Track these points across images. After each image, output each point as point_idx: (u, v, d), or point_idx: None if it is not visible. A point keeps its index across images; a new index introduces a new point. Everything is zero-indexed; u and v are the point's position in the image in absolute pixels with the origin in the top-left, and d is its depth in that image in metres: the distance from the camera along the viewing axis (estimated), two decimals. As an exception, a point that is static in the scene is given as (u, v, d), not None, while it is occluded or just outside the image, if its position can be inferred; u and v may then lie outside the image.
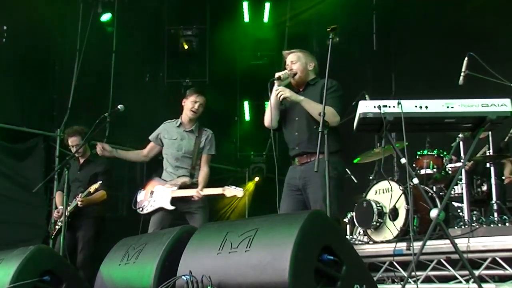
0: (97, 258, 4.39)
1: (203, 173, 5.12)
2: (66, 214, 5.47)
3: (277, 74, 4.06)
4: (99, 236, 5.69)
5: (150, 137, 5.32)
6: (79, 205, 5.44)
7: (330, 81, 3.99)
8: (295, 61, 4.15)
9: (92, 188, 5.42)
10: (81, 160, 5.89)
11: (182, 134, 5.22)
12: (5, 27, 7.78)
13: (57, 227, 5.63)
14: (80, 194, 5.47)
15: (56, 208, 5.82)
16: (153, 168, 9.90)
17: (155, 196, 5.04)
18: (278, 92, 3.96)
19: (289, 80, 4.10)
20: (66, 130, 5.97)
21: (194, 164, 5.13)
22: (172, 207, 4.92)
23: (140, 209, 5.07)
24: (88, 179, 5.67)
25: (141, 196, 5.15)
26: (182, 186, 4.97)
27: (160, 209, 4.96)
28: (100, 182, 5.48)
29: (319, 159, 3.55)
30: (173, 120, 5.31)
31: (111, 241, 4.13)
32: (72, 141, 5.78)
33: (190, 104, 5.17)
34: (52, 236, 5.69)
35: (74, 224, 5.58)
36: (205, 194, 4.90)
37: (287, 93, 3.98)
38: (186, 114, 5.21)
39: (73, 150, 5.79)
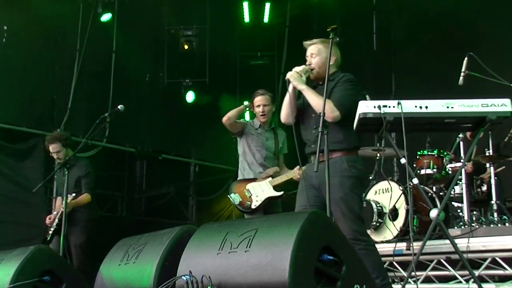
0: (96, 259, 4.39)
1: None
2: (56, 221, 5.58)
3: (294, 69, 3.93)
4: (92, 238, 5.69)
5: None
6: (59, 215, 5.51)
7: (346, 74, 3.93)
8: (315, 55, 3.97)
9: (69, 200, 5.45)
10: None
11: (266, 135, 5.36)
12: (5, 27, 7.78)
13: (50, 232, 5.66)
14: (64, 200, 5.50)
15: (51, 212, 5.83)
16: (153, 169, 9.96)
17: (255, 192, 5.15)
18: (290, 76, 3.86)
19: (308, 74, 3.94)
20: (46, 137, 5.97)
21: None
22: (281, 192, 5.12)
23: (248, 206, 5.13)
24: (73, 183, 5.70)
25: (238, 198, 5.20)
26: (274, 176, 5.17)
27: (268, 199, 5.10)
28: (74, 194, 5.53)
29: (318, 159, 3.54)
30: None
31: (111, 241, 4.12)
32: (52, 148, 5.78)
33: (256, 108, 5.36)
34: (48, 239, 5.70)
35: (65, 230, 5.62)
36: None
37: (293, 79, 3.85)
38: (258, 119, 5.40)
39: (55, 156, 5.82)
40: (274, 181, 5.14)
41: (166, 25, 9.67)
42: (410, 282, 4.15)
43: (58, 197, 5.96)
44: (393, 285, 4.72)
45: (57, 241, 5.60)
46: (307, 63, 3.98)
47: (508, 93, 3.73)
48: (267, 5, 10.01)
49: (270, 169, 5.24)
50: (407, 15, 8.83)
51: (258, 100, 5.32)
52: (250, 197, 5.15)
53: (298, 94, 3.96)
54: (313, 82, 4.04)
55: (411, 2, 8.74)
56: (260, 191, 5.15)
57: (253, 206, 5.12)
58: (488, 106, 3.29)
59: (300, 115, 4.05)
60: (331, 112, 3.74)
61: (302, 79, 3.89)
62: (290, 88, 3.93)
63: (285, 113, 3.99)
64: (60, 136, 5.85)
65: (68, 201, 5.45)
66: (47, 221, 5.74)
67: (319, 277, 2.57)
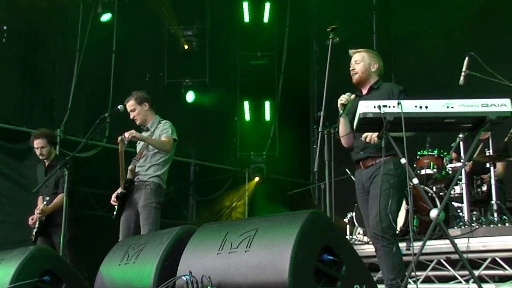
0: (91, 259, 4.41)
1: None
2: (37, 224, 5.59)
3: (340, 102, 4.01)
4: (77, 237, 5.67)
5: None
6: (38, 218, 5.53)
7: (397, 86, 4.09)
8: (359, 61, 4.13)
9: (39, 209, 5.48)
10: (46, 164, 5.88)
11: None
12: (5, 27, 7.78)
13: (33, 233, 5.66)
14: (40, 205, 5.54)
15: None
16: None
17: None
18: (368, 139, 3.87)
19: (352, 99, 4.05)
20: (32, 132, 5.97)
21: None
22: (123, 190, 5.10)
23: None
24: (53, 183, 5.68)
25: None
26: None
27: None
28: (44, 203, 5.53)
29: (318, 159, 3.55)
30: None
31: (111, 241, 4.12)
32: (36, 143, 5.76)
33: None
34: (33, 240, 5.68)
35: (47, 231, 5.63)
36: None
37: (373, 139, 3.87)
38: None
39: (37, 152, 5.79)
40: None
41: (166, 25, 9.67)
42: (410, 282, 4.15)
43: (40, 197, 5.90)
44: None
45: (41, 242, 5.61)
46: (351, 68, 4.13)
47: (508, 93, 3.73)
48: (267, 5, 10.02)
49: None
50: (407, 15, 8.83)
51: (127, 107, 5.22)
52: None
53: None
54: (357, 91, 4.15)
55: (411, 2, 8.74)
56: None
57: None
58: (488, 106, 3.28)
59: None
60: None
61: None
62: (342, 119, 4.05)
63: (346, 142, 4.13)
64: (48, 133, 5.83)
65: (45, 207, 5.49)
66: (30, 222, 5.70)
67: (319, 277, 2.57)
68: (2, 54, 7.69)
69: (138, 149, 5.32)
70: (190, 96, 9.77)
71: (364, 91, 4.13)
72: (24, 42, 7.90)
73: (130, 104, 5.18)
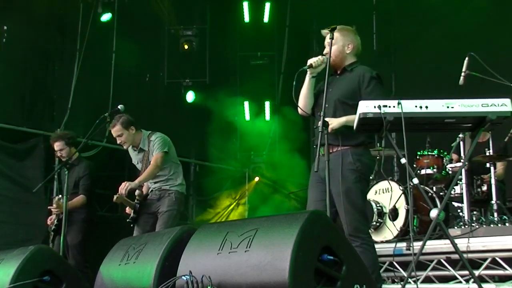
0: (92, 259, 4.42)
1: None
2: (55, 222, 5.66)
3: (309, 62, 3.84)
4: (87, 239, 5.72)
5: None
6: (55, 213, 5.61)
7: (370, 71, 3.87)
8: (332, 43, 3.86)
9: (55, 203, 5.56)
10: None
11: (139, 158, 5.32)
12: (5, 27, 7.78)
13: (51, 232, 5.74)
14: (55, 199, 5.61)
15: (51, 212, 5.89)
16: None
17: None
18: (330, 126, 3.70)
19: (323, 66, 3.84)
20: (51, 135, 6.05)
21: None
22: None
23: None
24: (73, 183, 5.73)
25: None
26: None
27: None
28: (59, 197, 5.61)
29: (319, 158, 3.53)
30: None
31: (111, 241, 4.11)
32: (56, 146, 5.82)
33: None
34: (51, 239, 5.77)
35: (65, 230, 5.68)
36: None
37: (334, 125, 3.72)
38: None
39: (58, 154, 5.87)
40: None
41: (166, 25, 9.68)
42: (410, 282, 4.15)
43: (55, 198, 5.96)
44: (393, 285, 4.73)
45: (58, 241, 5.66)
46: (324, 51, 3.91)
47: (508, 93, 3.73)
48: (267, 5, 10.02)
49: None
50: (407, 15, 8.84)
51: (112, 132, 5.18)
52: None
53: (314, 84, 3.92)
54: (331, 70, 3.96)
55: (411, 2, 8.74)
56: None
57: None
58: (488, 106, 3.28)
59: (315, 106, 3.98)
60: None
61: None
62: (307, 79, 3.91)
63: (303, 104, 3.95)
64: (64, 134, 5.88)
65: (60, 202, 5.52)
66: (49, 222, 5.78)
67: (319, 277, 2.57)
68: (2, 54, 7.70)
69: (139, 165, 5.30)
70: (190, 96, 9.77)
71: (338, 72, 3.96)
72: (24, 42, 7.90)
73: (117, 130, 5.10)
